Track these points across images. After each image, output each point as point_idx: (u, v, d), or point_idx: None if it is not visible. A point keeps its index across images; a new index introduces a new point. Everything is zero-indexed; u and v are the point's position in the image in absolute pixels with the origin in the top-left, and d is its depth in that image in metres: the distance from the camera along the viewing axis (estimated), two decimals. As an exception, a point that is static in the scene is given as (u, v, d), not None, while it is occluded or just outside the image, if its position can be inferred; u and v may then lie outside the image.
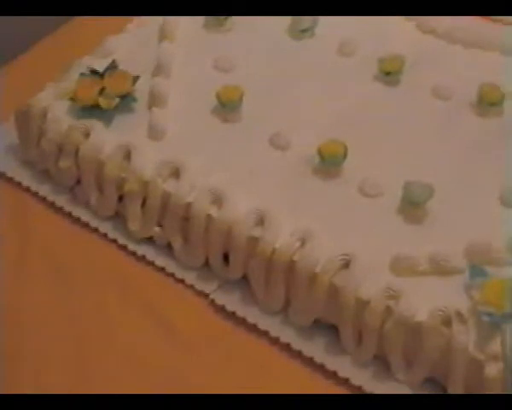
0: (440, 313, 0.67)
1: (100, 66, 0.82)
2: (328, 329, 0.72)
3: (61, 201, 0.80)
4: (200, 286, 0.75)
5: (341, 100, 0.83)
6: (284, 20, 0.90)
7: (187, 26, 0.88)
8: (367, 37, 0.90)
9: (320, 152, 0.77)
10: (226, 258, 0.75)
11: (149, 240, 0.77)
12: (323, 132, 0.78)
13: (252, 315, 0.73)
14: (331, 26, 0.90)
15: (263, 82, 0.84)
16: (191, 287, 0.75)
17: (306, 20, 0.90)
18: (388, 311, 0.68)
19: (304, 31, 0.90)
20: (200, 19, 0.90)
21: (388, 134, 0.81)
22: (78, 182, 0.80)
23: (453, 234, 0.72)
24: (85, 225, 0.79)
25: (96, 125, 0.78)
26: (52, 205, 0.80)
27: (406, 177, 0.75)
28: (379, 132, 0.81)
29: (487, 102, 0.83)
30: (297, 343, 0.71)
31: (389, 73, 0.85)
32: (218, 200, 0.74)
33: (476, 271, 0.69)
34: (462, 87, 0.84)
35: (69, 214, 0.80)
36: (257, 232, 0.72)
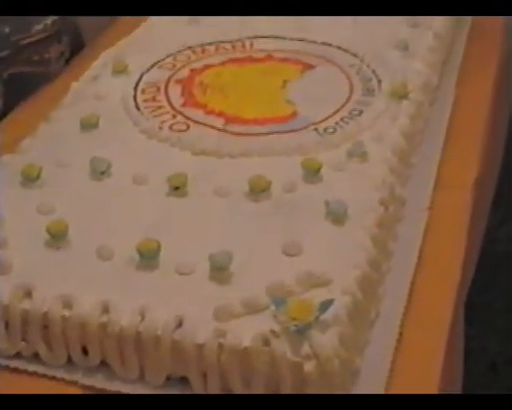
0: (260, 335, 0.87)
1: None
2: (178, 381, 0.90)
3: None
4: (68, 377, 0.91)
5: (147, 214, 1.04)
6: (85, 168, 1.11)
7: (6, 187, 1.07)
8: (152, 166, 1.12)
9: (138, 250, 0.96)
10: (85, 351, 0.91)
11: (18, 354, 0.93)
12: (139, 238, 0.98)
13: (117, 387, 0.90)
14: (123, 165, 1.12)
15: (80, 216, 1.03)
16: (62, 380, 0.91)
17: (102, 164, 1.11)
18: (220, 346, 0.87)
19: (102, 173, 1.10)
20: (17, 178, 1.08)
21: (190, 230, 1.02)
22: None
23: (255, 283, 0.93)
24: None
25: None
26: None
27: (209, 252, 0.96)
28: (182, 229, 1.02)
29: (257, 190, 1.07)
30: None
31: (177, 188, 1.08)
32: (68, 303, 0.91)
33: (278, 301, 0.90)
34: (236, 184, 1.08)
35: None
36: (105, 318, 0.90)
